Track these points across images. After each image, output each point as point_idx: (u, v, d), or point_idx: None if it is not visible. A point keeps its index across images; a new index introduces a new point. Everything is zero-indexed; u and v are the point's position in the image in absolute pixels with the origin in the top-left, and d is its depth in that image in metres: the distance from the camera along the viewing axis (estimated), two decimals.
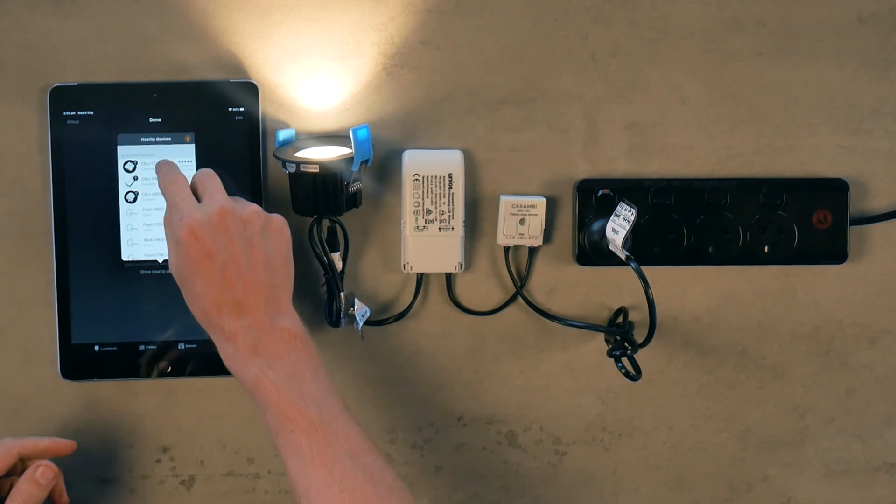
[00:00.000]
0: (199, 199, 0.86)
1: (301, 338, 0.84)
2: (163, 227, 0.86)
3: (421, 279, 0.99)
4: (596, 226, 0.97)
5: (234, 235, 0.83)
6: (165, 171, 0.89)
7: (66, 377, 0.97)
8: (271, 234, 0.86)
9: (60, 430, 0.99)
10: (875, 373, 1.03)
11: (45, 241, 0.97)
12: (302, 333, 0.85)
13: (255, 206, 0.86)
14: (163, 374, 0.98)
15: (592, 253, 0.98)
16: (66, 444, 0.92)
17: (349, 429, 0.82)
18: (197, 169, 0.96)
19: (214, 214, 0.83)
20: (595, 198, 0.98)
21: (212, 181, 0.87)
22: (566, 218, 1.00)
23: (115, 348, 0.97)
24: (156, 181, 0.88)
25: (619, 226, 0.93)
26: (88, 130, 0.96)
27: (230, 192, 0.86)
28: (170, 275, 0.84)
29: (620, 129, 0.99)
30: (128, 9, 0.96)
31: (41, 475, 0.88)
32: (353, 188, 0.94)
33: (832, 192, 0.99)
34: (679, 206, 0.98)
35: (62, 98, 0.95)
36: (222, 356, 0.84)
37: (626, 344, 0.96)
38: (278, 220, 0.87)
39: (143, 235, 0.97)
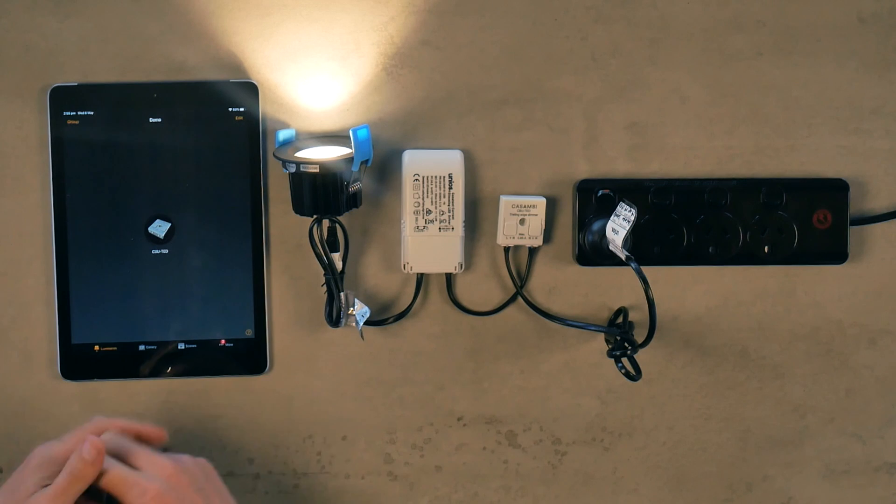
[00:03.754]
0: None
1: None
2: None
3: (421, 279, 0.99)
4: (596, 226, 0.97)
5: (191, 489, 0.81)
6: (88, 460, 0.81)
7: (66, 377, 0.97)
8: (210, 474, 0.84)
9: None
10: (875, 373, 1.03)
11: (45, 241, 0.97)
12: None
13: (183, 456, 0.83)
14: (163, 375, 0.98)
15: (592, 253, 0.98)
16: (153, 432, 0.87)
17: None
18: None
19: (171, 477, 0.80)
20: (595, 198, 0.98)
21: (129, 446, 0.83)
22: (566, 218, 1.00)
23: (115, 348, 0.97)
24: None
25: (619, 226, 0.93)
26: (88, 130, 0.96)
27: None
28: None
29: (620, 129, 0.99)
30: (128, 9, 0.96)
31: (87, 451, 0.80)
32: (353, 188, 0.94)
33: (832, 192, 0.99)
34: (679, 206, 0.98)
35: (62, 98, 0.95)
36: None
37: (626, 344, 0.96)
38: (203, 461, 0.84)
39: None
